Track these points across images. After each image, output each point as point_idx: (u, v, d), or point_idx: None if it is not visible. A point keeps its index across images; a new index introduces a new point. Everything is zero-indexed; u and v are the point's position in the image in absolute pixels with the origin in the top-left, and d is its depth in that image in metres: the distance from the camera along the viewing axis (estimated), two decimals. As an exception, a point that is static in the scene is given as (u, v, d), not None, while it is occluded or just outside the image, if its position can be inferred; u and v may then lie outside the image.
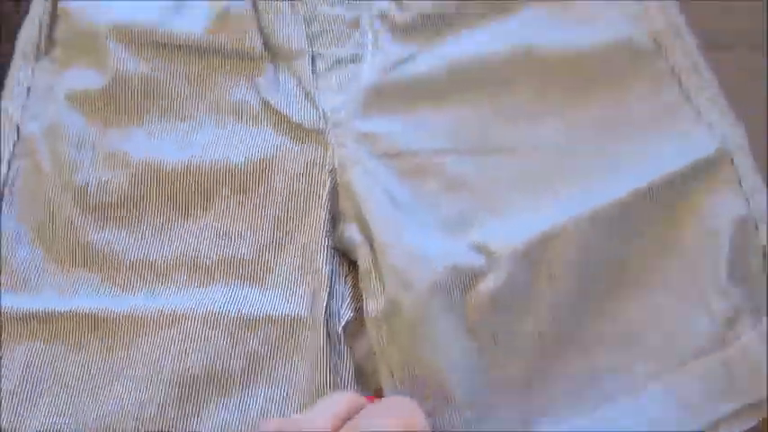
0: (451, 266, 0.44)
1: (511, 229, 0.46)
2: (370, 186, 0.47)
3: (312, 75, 0.51)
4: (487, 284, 0.44)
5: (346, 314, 0.46)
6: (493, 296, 0.44)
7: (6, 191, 0.51)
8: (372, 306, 0.45)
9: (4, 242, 0.49)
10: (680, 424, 0.42)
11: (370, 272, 0.46)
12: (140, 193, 0.50)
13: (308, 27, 0.52)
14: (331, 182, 0.48)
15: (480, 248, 0.45)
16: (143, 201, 0.50)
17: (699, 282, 0.46)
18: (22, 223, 0.50)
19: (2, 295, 0.48)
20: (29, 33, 0.54)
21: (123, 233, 0.49)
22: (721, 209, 0.47)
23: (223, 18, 0.52)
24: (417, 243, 0.45)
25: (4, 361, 0.47)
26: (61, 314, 0.47)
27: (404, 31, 0.52)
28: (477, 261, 0.45)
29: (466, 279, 0.44)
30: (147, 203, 0.50)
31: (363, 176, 0.48)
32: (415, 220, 0.46)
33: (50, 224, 0.50)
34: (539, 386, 0.44)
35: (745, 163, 0.48)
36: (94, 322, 0.47)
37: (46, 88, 0.53)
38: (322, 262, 0.47)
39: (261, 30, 0.52)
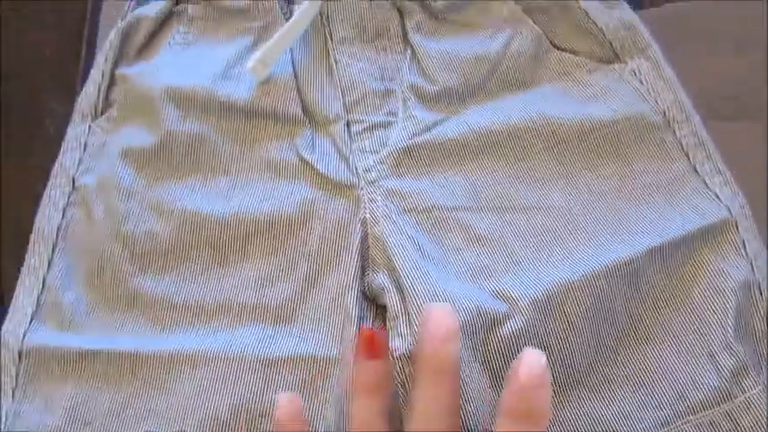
0: (475, 310, 0.48)
1: (529, 280, 0.50)
2: (400, 238, 0.51)
3: (347, 138, 0.56)
4: (508, 328, 0.48)
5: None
6: (512, 339, 0.48)
7: (60, 237, 0.55)
8: (399, 344, 0.48)
9: (54, 283, 0.53)
10: None
11: (398, 315, 0.49)
12: (183, 242, 0.54)
13: (344, 96, 0.57)
14: (362, 233, 0.52)
15: (501, 296, 0.49)
16: (185, 249, 0.54)
17: (706, 337, 0.49)
18: (72, 268, 0.54)
19: (49, 336, 0.52)
20: (88, 94, 0.59)
21: (166, 279, 0.53)
22: (728, 271, 0.50)
23: (267, 85, 0.57)
24: (443, 289, 0.49)
25: (52, 398, 0.50)
26: (104, 353, 0.51)
27: (432, 101, 0.57)
28: (499, 307, 0.48)
29: (488, 322, 0.48)
30: (188, 251, 0.54)
31: (393, 229, 0.52)
32: (440, 270, 0.50)
33: (99, 269, 0.54)
34: (550, 427, 0.46)
35: (748, 229, 0.52)
36: (134, 361, 0.50)
37: (100, 144, 0.58)
38: (351, 305, 0.50)
39: (301, 97, 0.57)
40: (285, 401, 0.42)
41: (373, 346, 0.42)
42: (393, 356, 0.48)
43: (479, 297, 0.48)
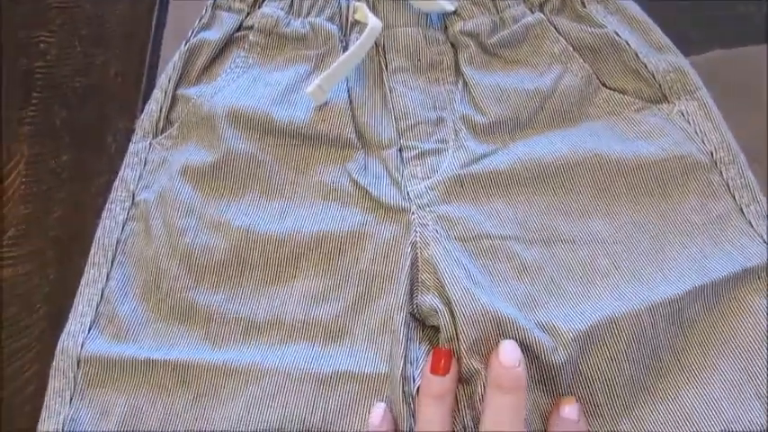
0: (521, 340, 0.50)
1: (574, 313, 0.52)
2: (450, 262, 0.54)
3: (399, 163, 0.59)
4: (551, 361, 0.50)
5: (420, 378, 0.52)
6: (554, 372, 0.50)
7: (119, 251, 0.58)
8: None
9: (112, 294, 0.56)
10: None
11: (452, 337, 0.51)
12: (237, 259, 0.57)
13: (398, 123, 0.60)
14: (412, 255, 0.55)
15: (547, 328, 0.51)
16: (239, 265, 0.57)
17: (755, 379, 0.51)
18: (129, 281, 0.57)
19: (107, 345, 0.54)
20: (150, 112, 0.63)
21: (219, 294, 0.56)
22: None
23: (323, 109, 0.60)
24: (491, 315, 0.51)
25: (108, 407, 0.53)
26: (158, 364, 0.53)
27: (482, 132, 0.60)
28: (544, 339, 0.50)
29: (533, 353, 0.50)
30: (243, 268, 0.57)
31: (443, 253, 0.54)
32: (488, 296, 0.52)
33: (155, 281, 0.56)
34: None
35: None
36: (187, 373, 0.53)
37: (160, 161, 0.62)
38: (400, 325, 0.52)
39: (355, 122, 0.60)
40: (379, 411, 0.49)
41: (443, 363, 0.48)
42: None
43: (525, 326, 0.51)
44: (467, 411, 0.50)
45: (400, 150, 0.59)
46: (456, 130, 0.60)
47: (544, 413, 0.51)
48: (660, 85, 0.59)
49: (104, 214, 0.59)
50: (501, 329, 0.50)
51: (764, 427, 0.49)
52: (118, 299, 0.56)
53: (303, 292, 0.55)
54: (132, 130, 0.62)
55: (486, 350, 0.50)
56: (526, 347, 0.50)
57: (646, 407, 0.50)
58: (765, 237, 0.54)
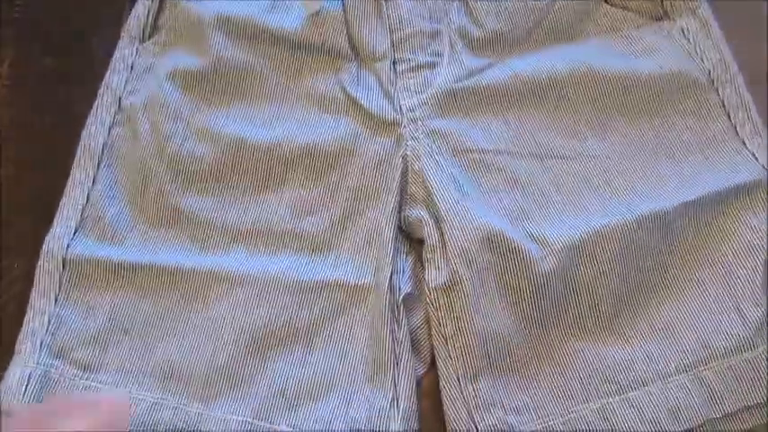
0: (509, 250, 0.51)
1: (564, 225, 0.52)
2: (440, 175, 0.54)
3: (392, 76, 0.58)
4: (539, 270, 0.50)
5: (406, 287, 0.52)
6: (544, 281, 0.51)
7: (105, 154, 0.58)
8: (434, 276, 0.51)
9: (98, 197, 0.56)
10: (700, 411, 0.48)
11: (436, 247, 0.52)
12: (225, 166, 0.57)
13: (392, 34, 0.59)
14: (402, 168, 0.55)
15: (536, 238, 0.52)
16: (227, 172, 0.57)
17: (734, 290, 0.52)
18: (116, 184, 0.57)
19: (93, 247, 0.54)
20: (137, 17, 0.61)
21: (207, 199, 0.56)
22: (759, 227, 0.53)
23: (316, 18, 0.59)
24: (480, 225, 0.51)
25: (94, 306, 0.53)
26: (145, 266, 0.54)
27: (478, 46, 0.59)
28: (534, 248, 0.51)
29: (521, 262, 0.51)
30: (230, 175, 0.57)
31: (434, 166, 0.54)
32: (478, 207, 0.53)
33: (142, 185, 0.56)
34: (576, 364, 0.50)
35: None
36: (174, 276, 0.54)
37: (147, 67, 0.61)
38: (388, 237, 0.53)
39: (348, 32, 0.59)
40: None
41: None
42: (429, 288, 0.51)
43: (515, 236, 0.51)
44: (447, 322, 0.50)
45: (394, 63, 0.59)
46: (452, 43, 0.59)
47: (530, 327, 0.51)
48: (662, 2, 0.59)
49: (90, 119, 0.59)
50: (490, 240, 0.51)
51: (741, 340, 0.50)
52: (104, 202, 0.56)
53: (291, 202, 0.56)
54: (119, 36, 0.62)
55: (473, 259, 0.51)
56: (515, 257, 0.51)
57: (628, 321, 0.51)
58: (758, 155, 0.54)
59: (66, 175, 0.57)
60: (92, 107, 0.60)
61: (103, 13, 0.67)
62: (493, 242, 0.51)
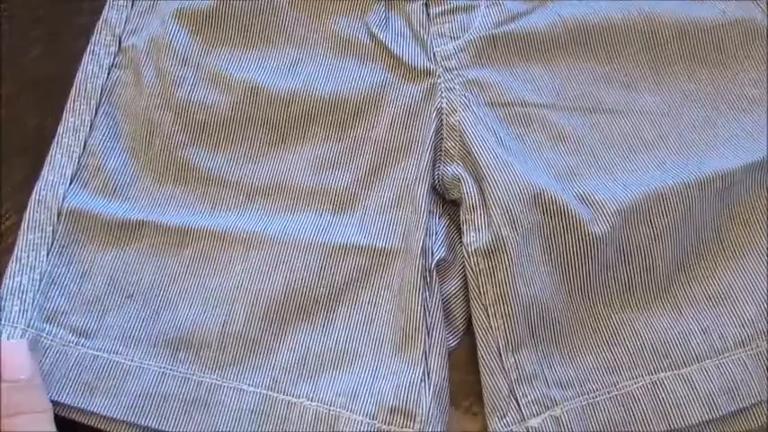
0: (557, 211, 0.47)
1: (616, 186, 0.48)
2: (479, 129, 0.50)
3: (424, 19, 0.54)
4: (590, 233, 0.47)
5: (439, 252, 0.48)
6: (594, 245, 0.47)
7: (104, 99, 0.53)
8: (474, 238, 0.47)
9: (97, 146, 0.52)
10: (760, 390, 0.44)
11: (475, 207, 0.48)
12: (240, 116, 0.53)
13: None
14: (437, 122, 0.51)
15: (586, 200, 0.48)
16: (242, 124, 0.53)
17: None
18: (117, 133, 0.53)
19: (92, 200, 0.50)
20: None
21: (219, 153, 0.52)
22: None
23: None
24: (525, 183, 0.47)
25: (91, 266, 0.49)
26: (151, 225, 0.50)
27: None
28: (583, 210, 0.47)
29: (570, 225, 0.47)
30: (245, 127, 0.53)
31: (472, 119, 0.50)
32: (522, 164, 0.49)
33: (147, 136, 0.52)
34: (624, 336, 0.46)
35: None
36: (183, 237, 0.50)
37: (150, 3, 0.56)
38: (421, 196, 0.49)
39: None
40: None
41: None
42: (468, 251, 0.47)
43: (562, 197, 0.47)
44: (488, 288, 0.46)
45: (426, 5, 0.55)
46: None
47: (577, 295, 0.48)
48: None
49: (86, 58, 0.55)
50: (535, 199, 0.47)
51: None
52: (104, 152, 0.52)
53: (313, 156, 0.52)
54: None
55: (518, 220, 0.47)
56: (563, 219, 0.47)
57: (682, 291, 0.48)
58: None
59: (60, 119, 0.53)
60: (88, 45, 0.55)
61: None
62: (539, 202, 0.47)
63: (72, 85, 0.54)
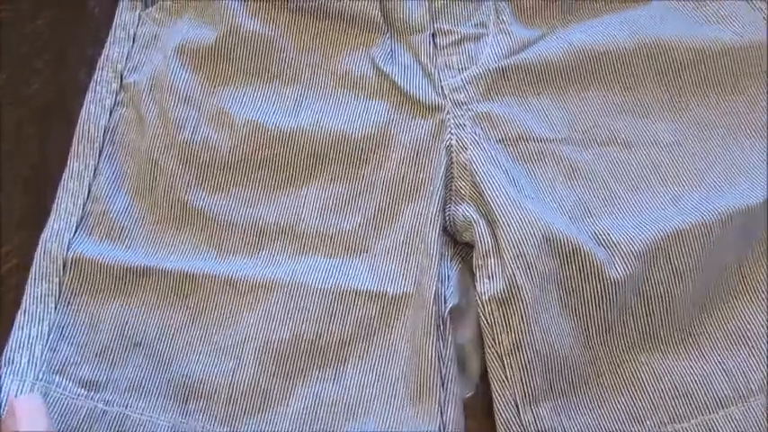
0: (573, 255, 0.46)
1: (631, 224, 0.47)
2: (491, 167, 0.49)
3: (432, 51, 0.53)
4: (608, 276, 0.46)
5: (452, 298, 0.48)
6: (612, 289, 0.46)
7: (107, 140, 0.52)
8: (488, 286, 0.46)
9: (101, 191, 0.51)
10: None
11: (489, 252, 0.47)
12: (244, 156, 0.52)
13: (430, 2, 0.54)
14: (447, 160, 0.50)
15: (602, 240, 0.47)
16: (246, 164, 0.52)
17: None
18: (120, 176, 0.52)
19: (96, 247, 0.50)
20: None
21: (224, 195, 0.51)
22: None
23: None
24: (539, 225, 0.46)
25: (99, 316, 0.49)
26: (156, 271, 0.49)
27: (529, 13, 0.54)
28: (600, 252, 0.46)
29: (587, 268, 0.46)
30: (250, 167, 0.52)
31: (483, 157, 0.49)
32: (536, 204, 0.48)
33: (151, 178, 0.52)
34: (644, 381, 0.46)
35: None
36: (188, 283, 0.49)
37: (152, 37, 0.55)
38: (432, 239, 0.48)
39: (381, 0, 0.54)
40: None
41: None
42: (482, 300, 0.46)
43: (578, 238, 0.46)
44: (503, 337, 0.46)
45: (433, 36, 0.54)
46: (497, 11, 0.54)
47: (595, 341, 0.47)
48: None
49: (88, 96, 0.54)
50: (550, 242, 0.46)
51: None
52: (108, 195, 0.51)
53: (320, 197, 0.51)
54: None
55: (532, 266, 0.46)
56: (579, 263, 0.46)
57: (704, 331, 0.47)
58: None
59: (62, 150, 0.53)
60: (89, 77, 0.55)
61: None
62: (554, 245, 0.46)
63: (73, 118, 0.53)
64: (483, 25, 0.54)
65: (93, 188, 0.52)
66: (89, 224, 0.51)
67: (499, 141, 0.51)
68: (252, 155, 0.52)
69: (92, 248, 0.50)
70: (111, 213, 0.51)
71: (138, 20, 0.56)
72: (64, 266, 0.49)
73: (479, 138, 0.50)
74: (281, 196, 0.51)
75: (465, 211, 0.49)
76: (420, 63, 0.53)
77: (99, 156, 0.52)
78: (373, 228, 0.50)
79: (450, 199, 0.50)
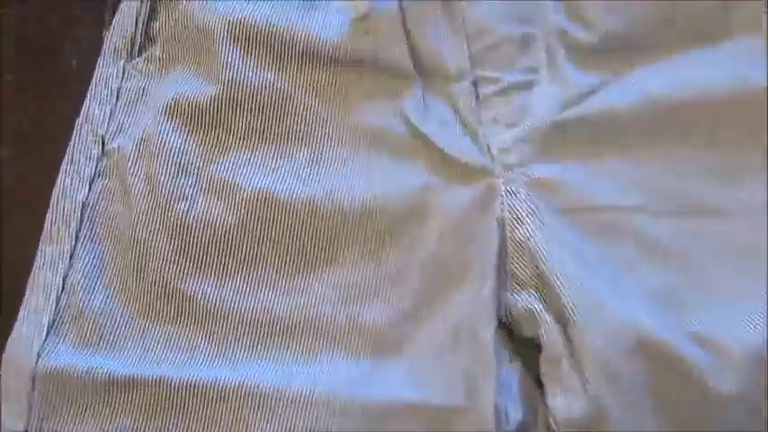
0: (668, 361, 0.39)
1: (738, 318, 0.40)
2: (555, 246, 0.42)
3: (473, 103, 0.47)
4: (714, 388, 0.39)
5: (516, 413, 0.40)
6: (719, 405, 0.39)
7: (86, 217, 0.46)
8: (563, 404, 0.39)
9: (78, 282, 0.45)
10: None
11: (561, 358, 0.40)
12: (252, 236, 0.45)
13: (470, 44, 0.48)
14: (499, 236, 0.43)
15: (704, 342, 0.39)
16: (255, 245, 0.45)
17: None
18: (101, 263, 0.46)
19: (72, 355, 0.43)
20: (123, 25, 0.51)
21: (228, 284, 0.45)
22: None
23: (363, 23, 0.48)
24: (623, 323, 0.40)
25: None
26: (148, 382, 0.42)
27: (587, 56, 0.47)
28: (702, 357, 0.39)
29: (685, 379, 0.39)
30: (259, 248, 0.45)
31: (544, 234, 0.43)
32: (614, 290, 0.41)
33: (138, 264, 0.45)
34: None
35: None
36: (188, 394, 0.42)
37: (139, 93, 0.50)
38: (486, 336, 0.41)
39: (410, 42, 0.47)
40: None
41: None
42: (555, 419, 0.39)
43: (673, 339, 0.39)
44: None
45: (474, 84, 0.47)
46: (550, 53, 0.48)
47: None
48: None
49: (64, 166, 0.47)
50: (639, 346, 0.39)
51: None
52: (87, 288, 0.45)
53: (343, 284, 0.44)
54: (100, 42, 0.51)
55: (620, 378, 0.39)
56: (677, 372, 0.39)
57: None
58: None
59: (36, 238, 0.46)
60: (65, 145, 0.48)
61: (79, 8, 0.58)
62: (644, 349, 0.39)
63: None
64: (533, 70, 0.47)
65: (68, 279, 0.45)
66: (64, 326, 0.44)
67: (563, 212, 0.44)
68: (259, 233, 0.45)
69: (66, 357, 0.43)
70: (90, 310, 0.44)
71: (123, 73, 0.50)
72: (33, 383, 0.42)
73: (538, 208, 0.44)
74: (296, 283, 0.45)
75: (526, 300, 0.42)
76: (460, 116, 0.47)
77: (76, 239, 0.46)
78: (410, 321, 0.43)
79: (506, 285, 0.43)
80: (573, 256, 0.42)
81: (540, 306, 0.42)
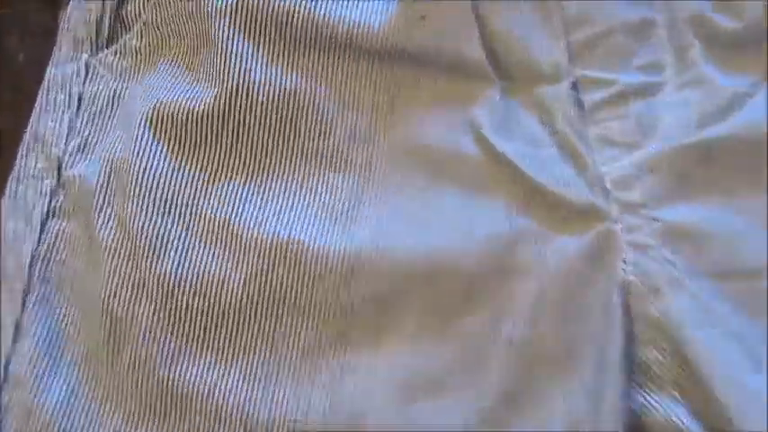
0: None
1: None
2: (710, 332, 0.34)
3: (575, 113, 0.39)
4: None
5: None
6: None
7: (36, 279, 0.39)
8: None
9: (26, 372, 0.37)
10: None
11: None
12: (264, 301, 0.38)
13: (568, 34, 0.41)
14: (622, 308, 0.35)
15: None
16: (268, 313, 0.38)
17: None
18: (61, 338, 0.39)
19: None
20: (85, 6, 0.44)
21: (234, 369, 0.37)
22: None
23: (417, 5, 0.40)
24: None
25: None
26: None
27: (732, 50, 0.40)
28: None
29: None
30: (275, 318, 0.38)
31: (693, 310, 0.34)
32: None
33: (110, 342, 0.37)
34: None
35: None
36: None
37: (108, 99, 0.43)
38: None
39: (485, 31, 0.41)
40: None
41: None
42: None
43: None
44: None
45: (575, 87, 0.40)
46: (680, 46, 0.40)
47: None
48: None
49: (5, 204, 0.40)
50: None
51: None
52: (38, 378, 0.38)
53: (400, 367, 0.36)
54: (53, 30, 0.45)
55: None
56: None
57: None
58: None
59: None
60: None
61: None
62: None
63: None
64: (657, 69, 0.40)
65: (11, 365, 0.37)
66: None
67: (714, 278, 0.35)
68: (274, 298, 0.37)
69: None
70: (44, 409, 0.37)
71: (86, 71, 0.42)
72: None
73: (677, 270, 0.35)
74: (328, 366, 0.36)
75: (665, 406, 0.34)
76: (557, 134, 0.39)
77: (22, 306, 0.38)
78: (495, 420, 0.35)
79: (635, 379, 0.35)
80: (732, 346, 0.34)
81: (686, 416, 0.34)
